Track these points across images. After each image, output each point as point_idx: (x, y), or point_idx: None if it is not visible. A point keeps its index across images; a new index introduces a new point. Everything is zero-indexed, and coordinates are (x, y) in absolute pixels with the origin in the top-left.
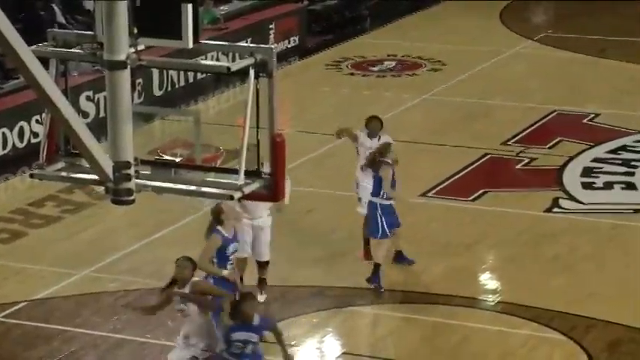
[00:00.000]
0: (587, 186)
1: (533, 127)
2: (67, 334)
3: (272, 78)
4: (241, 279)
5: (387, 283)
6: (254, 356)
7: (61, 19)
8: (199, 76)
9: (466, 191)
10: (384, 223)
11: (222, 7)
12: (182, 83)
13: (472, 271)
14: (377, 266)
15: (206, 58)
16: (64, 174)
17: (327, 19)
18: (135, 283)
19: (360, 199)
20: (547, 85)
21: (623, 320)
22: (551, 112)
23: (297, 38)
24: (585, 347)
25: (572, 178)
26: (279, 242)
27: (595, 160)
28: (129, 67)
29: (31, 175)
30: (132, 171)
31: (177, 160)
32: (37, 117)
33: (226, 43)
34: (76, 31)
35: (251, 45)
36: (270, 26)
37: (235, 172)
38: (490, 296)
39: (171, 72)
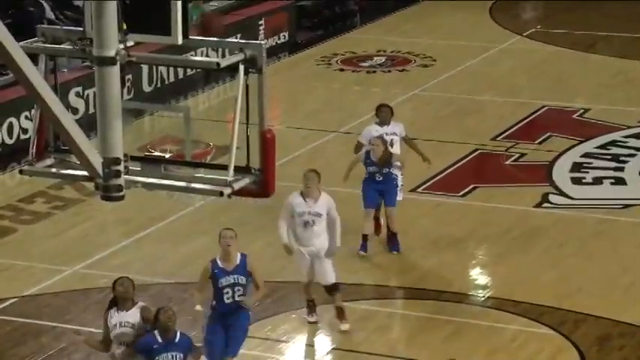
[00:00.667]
0: (576, 181)
1: (522, 123)
2: (57, 331)
3: (262, 74)
4: (313, 302)
5: (376, 278)
6: None
7: (50, 15)
8: (189, 72)
9: (456, 187)
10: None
11: (212, 3)
12: (172, 79)
13: (462, 267)
14: (395, 234)
15: (196, 54)
16: (53, 170)
17: (317, 15)
18: None
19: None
20: (537, 80)
21: (613, 315)
22: (541, 108)
23: (286, 34)
24: (575, 342)
25: (561, 173)
26: (269, 237)
27: (584, 155)
28: (118, 63)
29: (21, 172)
30: (121, 167)
31: (167, 156)
32: (27, 113)
33: (216, 39)
34: (65, 27)
35: (241, 41)
36: (260, 22)
37: (225, 168)
38: (480, 291)
39: (160, 68)
